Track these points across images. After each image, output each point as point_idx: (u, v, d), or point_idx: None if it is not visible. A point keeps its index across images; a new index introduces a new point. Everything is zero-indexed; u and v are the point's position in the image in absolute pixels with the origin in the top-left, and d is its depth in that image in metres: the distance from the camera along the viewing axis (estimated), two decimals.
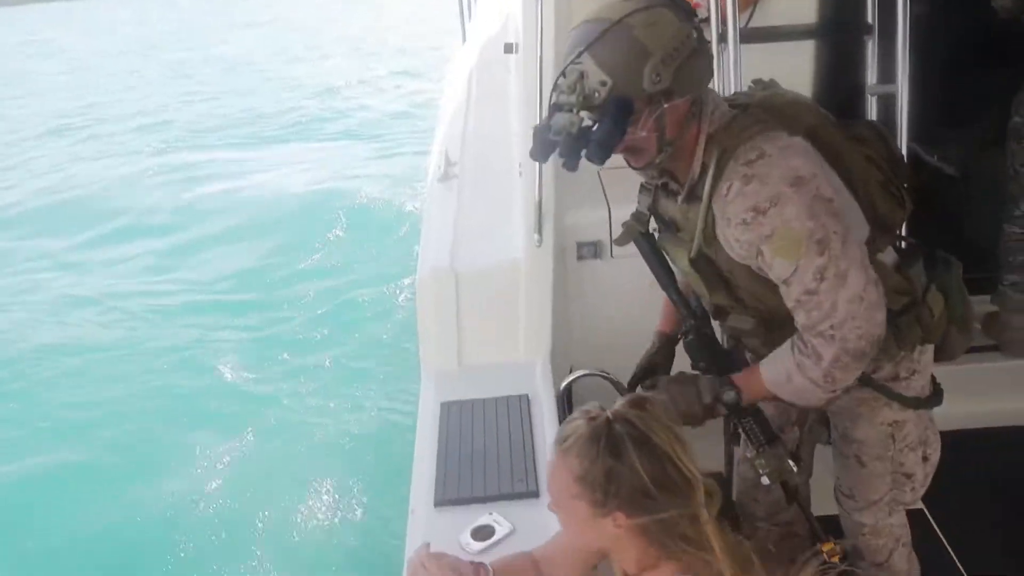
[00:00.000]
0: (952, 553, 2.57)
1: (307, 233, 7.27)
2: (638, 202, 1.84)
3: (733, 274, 1.66)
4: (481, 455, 2.06)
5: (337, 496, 4.02)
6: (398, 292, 5.91)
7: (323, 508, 3.95)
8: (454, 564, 1.45)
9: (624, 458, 1.28)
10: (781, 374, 1.63)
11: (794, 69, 2.90)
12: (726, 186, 1.54)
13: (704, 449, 1.43)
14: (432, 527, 1.85)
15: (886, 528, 2.00)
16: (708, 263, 1.67)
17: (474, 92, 3.82)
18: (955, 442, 2.67)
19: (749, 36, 2.45)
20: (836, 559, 1.76)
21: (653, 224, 1.84)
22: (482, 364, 2.46)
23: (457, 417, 2.25)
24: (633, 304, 2.74)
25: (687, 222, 1.66)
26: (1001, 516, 2.68)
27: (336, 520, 3.89)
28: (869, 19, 2.43)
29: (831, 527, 2.11)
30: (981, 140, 4.07)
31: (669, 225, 1.76)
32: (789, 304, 1.57)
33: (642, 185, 1.82)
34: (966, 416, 2.68)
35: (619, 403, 1.36)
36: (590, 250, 2.72)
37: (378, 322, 5.73)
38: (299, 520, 3.91)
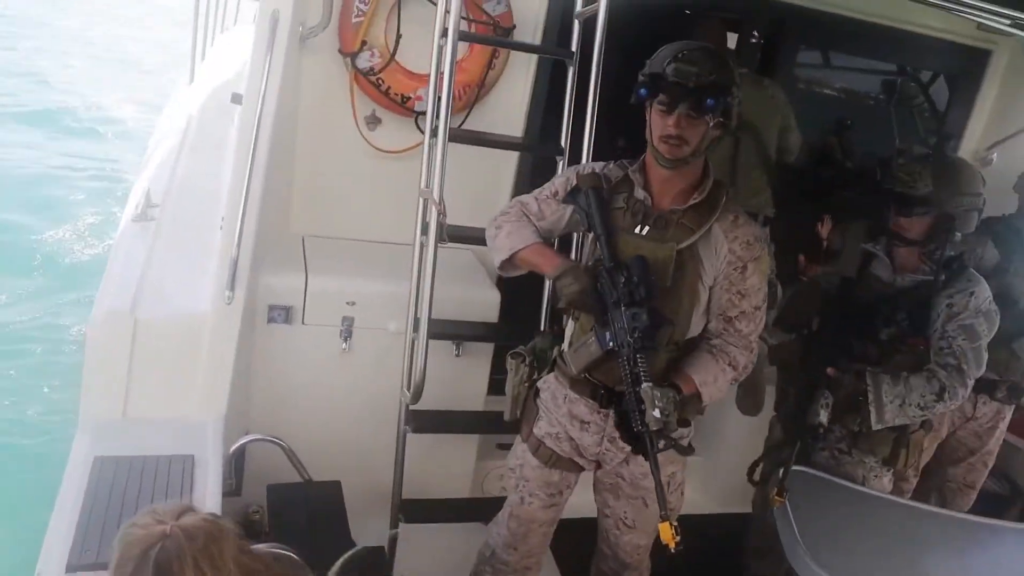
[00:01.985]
0: None
1: None
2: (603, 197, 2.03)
3: (681, 280, 2.01)
4: (131, 517, 1.93)
5: None
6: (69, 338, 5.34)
7: None
8: None
9: None
10: (709, 377, 2.03)
11: (498, 173, 3.18)
12: (732, 216, 2.01)
13: None
14: None
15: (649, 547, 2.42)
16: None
17: (191, 136, 3.69)
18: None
19: (459, 136, 2.66)
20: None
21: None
22: (148, 419, 2.32)
23: (111, 474, 2.09)
24: (317, 373, 2.76)
25: (678, 226, 1.99)
26: None
27: None
28: (563, 143, 2.76)
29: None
30: None
31: (656, 222, 2.01)
32: (733, 313, 2.04)
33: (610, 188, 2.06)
34: None
35: (190, 520, 1.28)
36: (281, 315, 2.70)
37: (44, 367, 5.12)
38: None
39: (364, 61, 2.87)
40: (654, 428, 1.87)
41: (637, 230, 2.01)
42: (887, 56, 4.00)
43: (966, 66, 3.84)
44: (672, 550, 1.82)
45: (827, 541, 2.08)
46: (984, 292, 2.42)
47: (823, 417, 2.41)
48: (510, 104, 3.12)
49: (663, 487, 1.90)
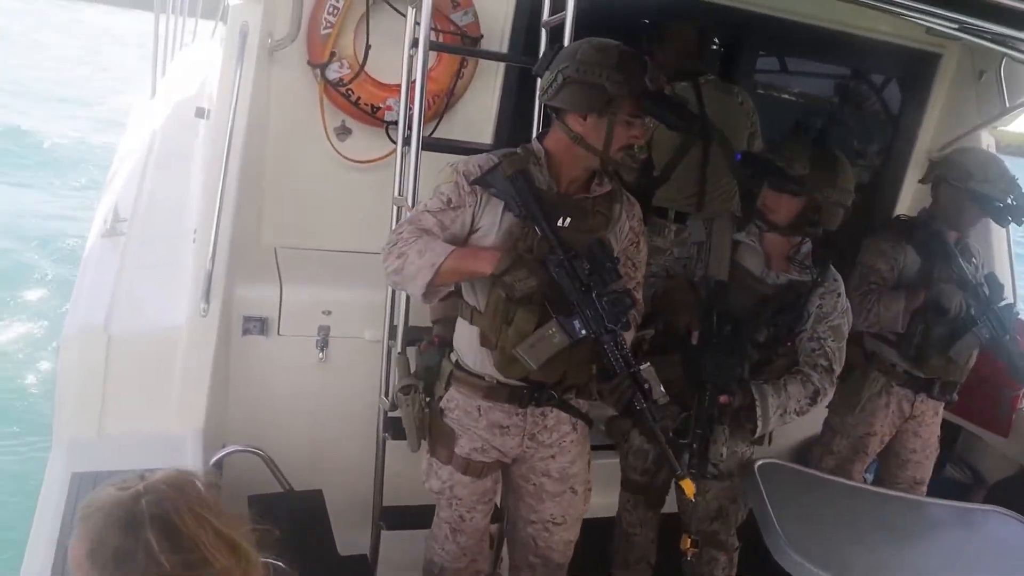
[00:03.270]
0: None
1: None
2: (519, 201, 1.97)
3: None
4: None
5: None
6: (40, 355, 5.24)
7: None
8: None
9: (140, 539, 1.10)
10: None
11: None
12: (625, 195, 2.15)
13: None
14: None
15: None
16: None
17: (156, 151, 3.66)
18: None
19: (431, 144, 2.68)
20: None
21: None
22: (126, 433, 2.30)
23: (90, 490, 2.07)
24: (293, 383, 2.76)
25: (595, 215, 2.05)
26: None
27: None
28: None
29: None
30: None
31: (575, 212, 2.02)
32: (631, 285, 2.12)
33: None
34: None
35: (157, 476, 1.19)
36: (257, 326, 2.68)
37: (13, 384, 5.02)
38: None
39: (333, 72, 2.88)
40: (663, 403, 1.97)
41: (560, 222, 1.98)
42: (842, 60, 4.11)
43: (917, 69, 3.97)
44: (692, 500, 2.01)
45: (804, 530, 2.12)
46: (843, 290, 2.43)
47: (724, 454, 2.32)
48: (479, 112, 3.16)
49: (665, 446, 2.02)
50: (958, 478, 3.93)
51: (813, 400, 2.34)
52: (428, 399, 2.23)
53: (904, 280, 2.95)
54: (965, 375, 3.05)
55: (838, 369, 2.37)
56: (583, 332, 1.90)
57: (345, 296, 2.82)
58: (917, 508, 2.49)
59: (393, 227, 2.48)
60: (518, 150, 2.06)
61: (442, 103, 3.01)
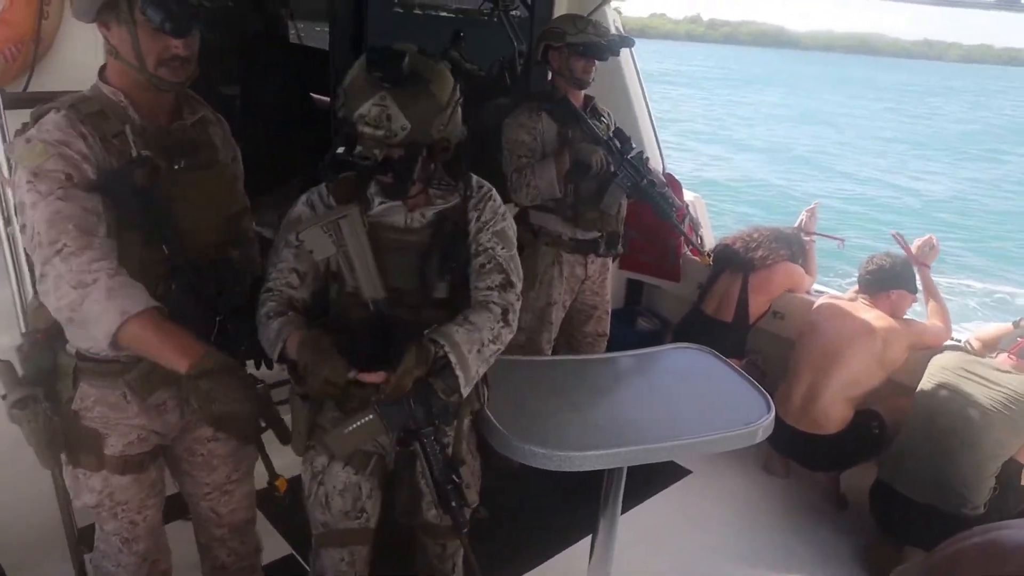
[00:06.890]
0: None
1: None
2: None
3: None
4: None
5: None
6: None
7: None
8: None
9: None
10: None
11: None
12: (217, 116, 1.97)
13: None
14: None
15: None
16: None
17: None
18: None
19: (24, 101, 2.23)
20: None
21: None
22: None
23: None
24: None
25: (204, 147, 1.88)
26: None
27: None
28: None
29: None
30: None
31: (184, 148, 1.82)
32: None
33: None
34: None
35: None
36: None
37: None
38: None
39: None
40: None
41: (177, 166, 1.77)
42: None
43: None
44: None
45: (518, 416, 2.13)
46: (494, 193, 2.01)
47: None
48: (83, 53, 2.67)
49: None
50: (649, 327, 4.34)
51: (505, 320, 1.89)
52: (54, 407, 1.83)
53: (547, 148, 3.09)
54: (620, 225, 3.28)
55: (517, 281, 1.98)
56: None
57: None
58: (611, 363, 2.63)
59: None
60: (87, 92, 1.76)
61: (29, 51, 2.52)
